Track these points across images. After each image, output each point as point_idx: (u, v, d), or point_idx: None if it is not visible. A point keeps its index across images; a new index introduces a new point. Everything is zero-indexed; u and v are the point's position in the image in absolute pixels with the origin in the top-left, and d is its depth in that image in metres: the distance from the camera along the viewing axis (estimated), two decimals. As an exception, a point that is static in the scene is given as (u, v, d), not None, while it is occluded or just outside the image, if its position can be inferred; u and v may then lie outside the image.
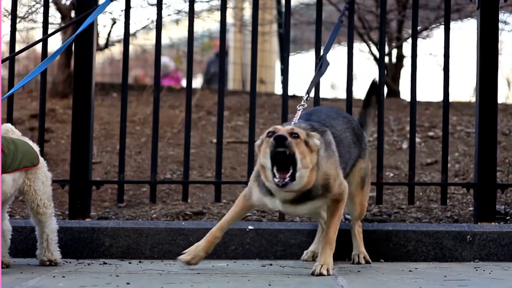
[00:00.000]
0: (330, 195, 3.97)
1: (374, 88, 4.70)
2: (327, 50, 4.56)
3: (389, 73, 8.45)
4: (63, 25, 7.52)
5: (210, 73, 12.42)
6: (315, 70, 4.54)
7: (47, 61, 4.35)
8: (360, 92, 12.35)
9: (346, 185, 4.08)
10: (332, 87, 13.35)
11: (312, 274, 3.89)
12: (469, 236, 4.66)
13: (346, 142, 4.23)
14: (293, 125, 3.95)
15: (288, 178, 3.76)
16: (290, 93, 5.30)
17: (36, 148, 4.20)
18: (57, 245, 4.26)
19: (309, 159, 3.83)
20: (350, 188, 4.30)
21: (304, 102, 4.17)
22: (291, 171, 3.78)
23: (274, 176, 3.78)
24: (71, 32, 5.67)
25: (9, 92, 4.44)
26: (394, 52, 8.68)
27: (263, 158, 3.85)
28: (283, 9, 5.27)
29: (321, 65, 4.46)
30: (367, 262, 4.45)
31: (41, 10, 5.69)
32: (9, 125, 4.25)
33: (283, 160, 3.77)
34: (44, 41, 5.09)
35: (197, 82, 13.43)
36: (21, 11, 6.37)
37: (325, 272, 3.88)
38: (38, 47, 5.92)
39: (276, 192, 3.91)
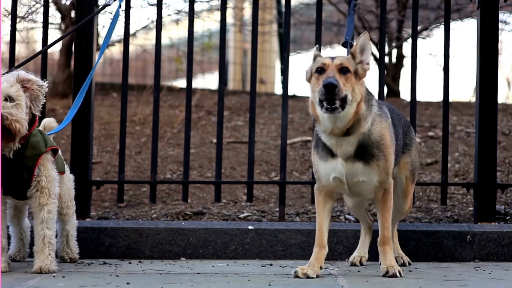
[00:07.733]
0: (383, 162, 3.84)
1: None
2: (348, 35, 4.48)
3: (389, 73, 8.46)
4: (63, 26, 7.54)
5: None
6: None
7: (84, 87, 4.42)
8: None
9: (392, 181, 3.97)
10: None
11: (385, 275, 3.82)
12: (469, 236, 4.66)
13: (399, 134, 4.16)
14: (341, 57, 3.86)
15: (337, 104, 3.68)
16: (290, 93, 5.30)
17: None
18: (76, 241, 4.40)
19: (358, 91, 3.78)
20: (402, 183, 4.26)
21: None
22: (340, 103, 3.70)
23: (322, 106, 3.69)
24: (72, 35, 5.66)
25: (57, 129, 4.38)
26: (394, 52, 8.68)
27: (312, 93, 3.79)
28: (283, 9, 5.27)
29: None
30: (409, 263, 4.39)
31: (41, 10, 5.70)
32: (52, 119, 4.42)
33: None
34: (44, 42, 5.10)
35: (197, 82, 13.43)
36: (21, 11, 6.37)
37: (398, 274, 3.81)
38: (38, 47, 5.91)
39: (334, 144, 3.81)
